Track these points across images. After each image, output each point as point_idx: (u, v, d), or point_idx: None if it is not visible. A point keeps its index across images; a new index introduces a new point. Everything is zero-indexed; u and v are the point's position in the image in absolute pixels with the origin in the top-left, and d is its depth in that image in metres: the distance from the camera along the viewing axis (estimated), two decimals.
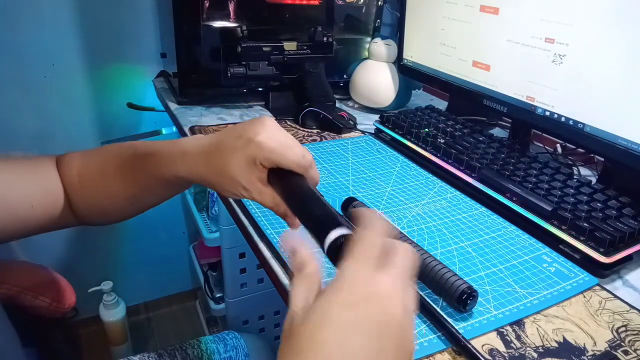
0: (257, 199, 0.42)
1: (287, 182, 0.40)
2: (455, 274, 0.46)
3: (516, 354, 0.41)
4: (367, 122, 0.95)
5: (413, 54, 0.96)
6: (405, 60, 0.98)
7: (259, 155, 0.39)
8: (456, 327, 0.42)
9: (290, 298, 0.29)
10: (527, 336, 0.43)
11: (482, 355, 0.40)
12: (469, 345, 0.41)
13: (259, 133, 0.40)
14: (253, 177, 0.40)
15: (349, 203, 0.58)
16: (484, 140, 0.76)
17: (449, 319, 0.43)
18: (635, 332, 0.44)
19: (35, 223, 0.48)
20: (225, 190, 0.43)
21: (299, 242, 0.32)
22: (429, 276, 0.47)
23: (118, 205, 0.51)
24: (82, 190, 0.50)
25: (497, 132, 0.93)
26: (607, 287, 0.51)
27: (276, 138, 0.40)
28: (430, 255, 0.49)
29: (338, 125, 0.88)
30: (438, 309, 0.44)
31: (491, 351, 0.41)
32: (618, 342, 0.43)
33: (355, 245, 0.29)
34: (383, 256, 0.29)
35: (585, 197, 0.59)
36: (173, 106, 0.97)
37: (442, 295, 0.46)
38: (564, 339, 0.43)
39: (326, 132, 0.88)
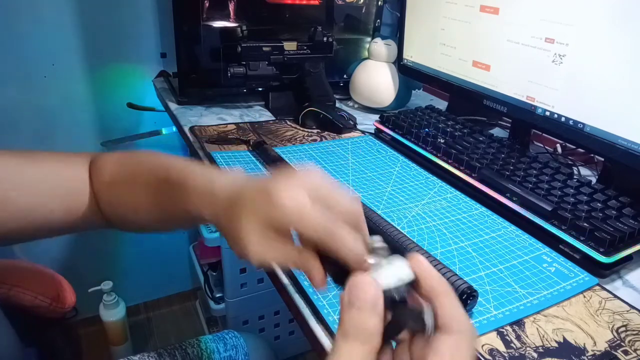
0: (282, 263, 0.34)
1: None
2: (456, 274, 0.46)
3: (516, 354, 0.41)
4: (367, 122, 0.95)
5: (413, 54, 0.96)
6: (405, 60, 0.98)
7: (274, 219, 0.32)
8: None
9: None
10: (527, 336, 0.43)
11: (482, 356, 0.40)
12: None
13: (284, 189, 0.31)
14: (268, 240, 0.32)
15: None
16: (484, 140, 0.76)
17: None
18: (635, 332, 0.44)
19: (56, 225, 0.46)
20: (237, 252, 0.35)
21: (370, 288, 0.25)
22: None
23: (142, 218, 0.47)
24: (109, 194, 0.47)
25: (497, 132, 0.93)
26: (607, 287, 0.51)
27: (299, 196, 0.31)
28: (430, 255, 0.49)
29: (338, 125, 0.88)
30: None
31: (491, 351, 0.41)
32: (618, 342, 0.43)
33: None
34: None
35: (585, 197, 0.59)
36: (173, 106, 0.97)
37: None
38: (564, 339, 0.43)
39: (326, 132, 0.88)
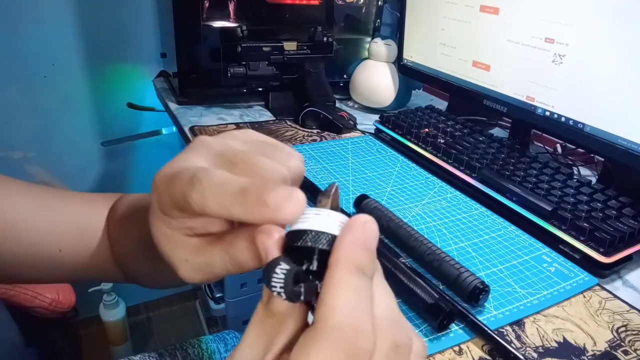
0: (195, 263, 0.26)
1: None
2: (467, 270, 0.46)
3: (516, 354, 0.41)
4: (367, 122, 0.95)
5: (413, 54, 0.96)
6: (405, 60, 0.98)
7: (156, 198, 0.26)
8: (479, 319, 0.42)
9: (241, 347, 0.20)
10: (527, 336, 0.43)
11: (482, 356, 0.40)
12: (491, 333, 0.41)
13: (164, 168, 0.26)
14: (172, 232, 0.26)
15: (361, 201, 0.60)
16: (484, 140, 0.76)
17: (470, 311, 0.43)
18: (635, 332, 0.44)
19: (68, 268, 0.39)
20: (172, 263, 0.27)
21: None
22: (441, 271, 0.47)
23: (135, 263, 0.39)
24: (116, 235, 0.39)
25: (497, 132, 0.93)
26: (607, 287, 0.51)
27: (177, 163, 0.25)
28: (441, 250, 0.49)
29: (338, 125, 0.88)
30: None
31: (491, 351, 0.41)
32: (618, 342, 0.43)
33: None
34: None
35: (585, 197, 0.59)
36: (173, 106, 0.97)
37: (454, 289, 0.46)
38: (564, 339, 0.43)
39: (326, 132, 0.88)
